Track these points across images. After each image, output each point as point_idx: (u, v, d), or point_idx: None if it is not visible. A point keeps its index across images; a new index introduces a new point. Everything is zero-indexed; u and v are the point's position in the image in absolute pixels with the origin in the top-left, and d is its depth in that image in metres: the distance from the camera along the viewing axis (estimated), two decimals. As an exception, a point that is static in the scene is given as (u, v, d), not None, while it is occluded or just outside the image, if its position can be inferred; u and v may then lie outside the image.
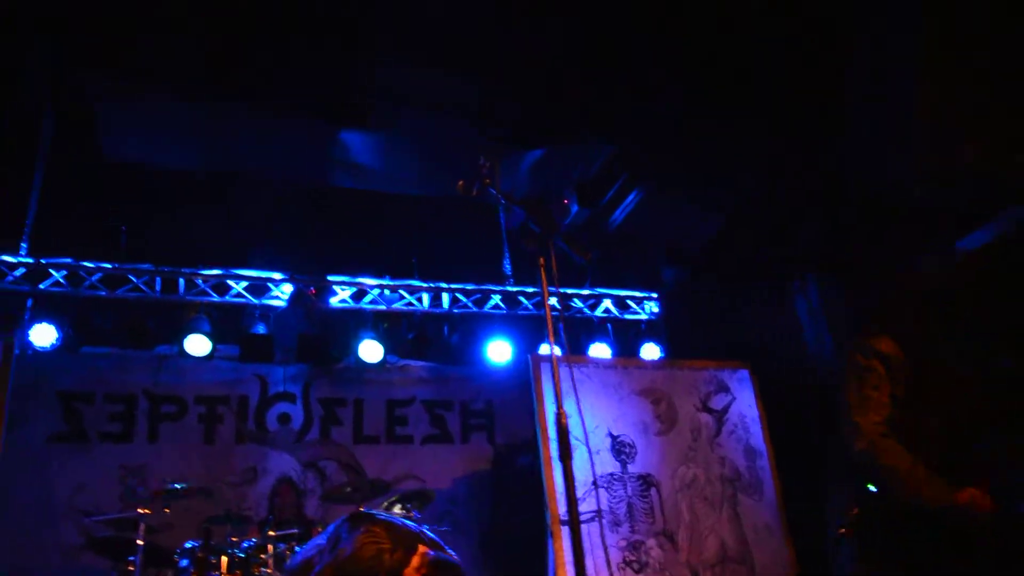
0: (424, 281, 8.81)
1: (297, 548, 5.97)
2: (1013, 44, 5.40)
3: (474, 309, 8.92)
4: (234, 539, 6.21)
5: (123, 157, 7.57)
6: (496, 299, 8.98)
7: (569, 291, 9.19)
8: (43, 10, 5.95)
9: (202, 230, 8.25)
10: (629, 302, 9.47)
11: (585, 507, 5.91)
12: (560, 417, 3.22)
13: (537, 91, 7.01)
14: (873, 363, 3.64)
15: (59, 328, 7.41)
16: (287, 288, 8.33)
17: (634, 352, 8.87)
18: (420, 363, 9.17)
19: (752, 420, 7.61)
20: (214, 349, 7.79)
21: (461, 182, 3.70)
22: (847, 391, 3.66)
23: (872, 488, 3.41)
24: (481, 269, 9.06)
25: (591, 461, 4.02)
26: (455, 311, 8.89)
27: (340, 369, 8.85)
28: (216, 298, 8.12)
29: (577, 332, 9.06)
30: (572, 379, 3.64)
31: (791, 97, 6.58)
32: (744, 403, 7.68)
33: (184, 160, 7.86)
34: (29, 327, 7.32)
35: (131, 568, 5.98)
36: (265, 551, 6.16)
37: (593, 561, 5.38)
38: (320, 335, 8.50)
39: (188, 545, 6.09)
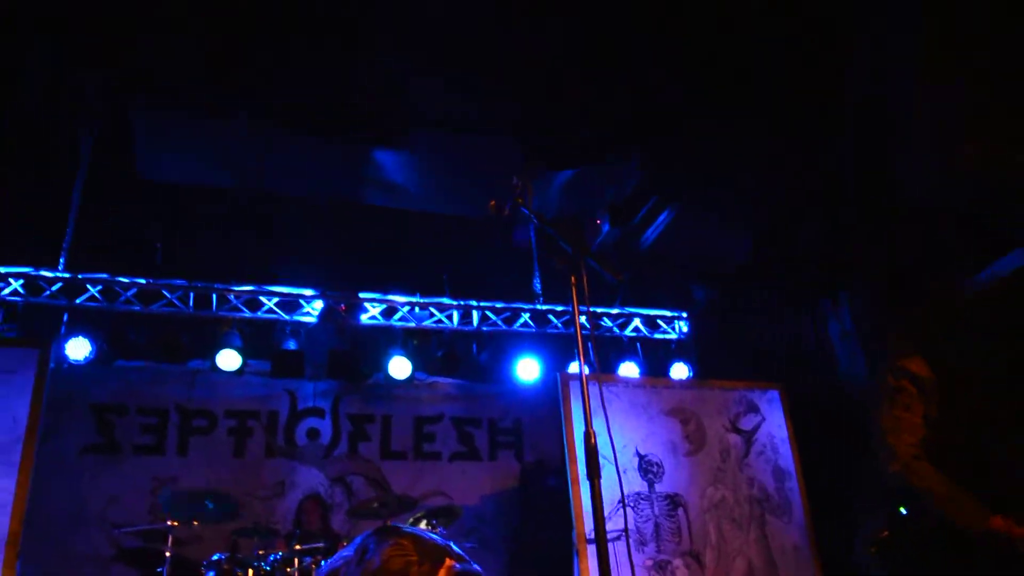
0: (454, 299, 8.84)
1: (323, 562, 5.99)
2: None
3: (503, 327, 8.93)
4: (261, 552, 6.25)
5: (158, 176, 7.71)
6: (525, 317, 8.99)
7: (599, 310, 9.17)
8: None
9: (235, 247, 8.36)
10: (659, 321, 9.44)
11: (612, 526, 5.89)
12: (588, 436, 3.22)
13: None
14: (904, 383, 3.63)
15: (94, 342, 7.52)
16: (318, 305, 8.39)
17: (663, 371, 8.83)
18: (449, 380, 9.19)
19: (781, 441, 7.54)
20: (245, 364, 7.87)
21: (493, 202, 3.72)
22: (880, 413, 3.64)
23: (903, 511, 3.38)
24: (511, 287, 9.07)
25: (619, 480, 4.01)
26: (484, 329, 8.90)
27: (369, 385, 8.89)
28: (248, 314, 8.19)
29: (606, 351, 9.05)
30: (601, 398, 3.63)
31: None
32: (774, 424, 7.62)
33: (218, 178, 7.98)
34: (65, 341, 7.42)
35: (160, 580, 6.04)
36: (291, 564, 6.19)
37: (620, 581, 5.36)
38: (350, 351, 8.55)
39: (215, 557, 6.13)
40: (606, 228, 8.23)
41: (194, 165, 7.83)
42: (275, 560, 6.16)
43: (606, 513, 3.23)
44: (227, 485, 7.90)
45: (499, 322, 8.93)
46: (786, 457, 7.48)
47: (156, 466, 7.93)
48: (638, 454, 7.03)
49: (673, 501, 6.96)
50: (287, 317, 8.31)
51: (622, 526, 6.07)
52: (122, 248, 8.01)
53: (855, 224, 6.81)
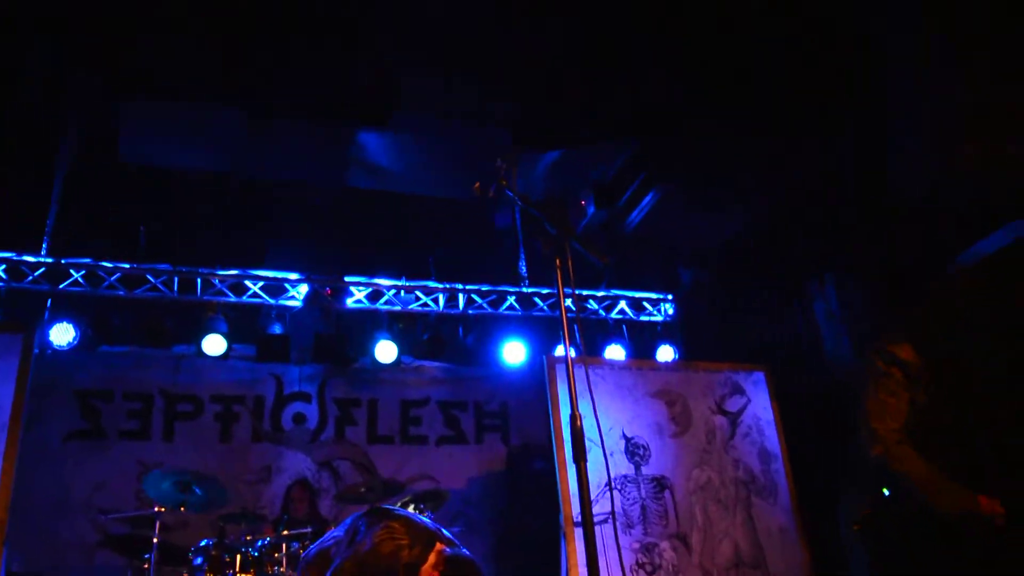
0: (439, 282, 8.82)
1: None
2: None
3: (489, 310, 8.93)
4: (248, 537, 6.24)
5: (141, 160, 7.64)
6: (511, 300, 8.98)
7: (585, 292, 9.18)
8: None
9: (220, 231, 8.31)
10: (645, 304, 9.46)
11: (598, 509, 5.90)
12: (575, 419, 3.22)
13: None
14: (892, 370, 3.65)
15: (77, 327, 7.47)
16: (303, 288, 8.37)
17: (649, 354, 8.85)
18: (435, 364, 9.19)
19: (767, 423, 7.57)
20: (230, 349, 7.85)
21: (477, 184, 3.70)
22: (865, 396, 3.67)
23: (886, 492, 3.41)
24: (497, 270, 9.06)
25: (605, 463, 4.02)
26: (470, 312, 8.90)
27: (355, 369, 8.88)
28: (233, 298, 8.16)
29: (592, 334, 9.06)
30: (587, 380, 3.63)
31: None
32: (759, 405, 7.64)
33: (202, 162, 7.92)
34: (48, 326, 7.38)
35: (146, 566, 6.02)
36: (279, 550, 6.18)
37: (606, 563, 5.38)
38: (336, 335, 8.54)
39: (203, 543, 6.12)
40: (591, 210, 8.21)
41: (177, 150, 7.77)
42: (263, 545, 6.15)
43: (593, 496, 3.24)
44: (213, 470, 7.87)
45: (485, 305, 8.92)
46: (772, 439, 7.51)
47: (142, 451, 7.90)
48: (624, 436, 7.05)
49: (659, 483, 6.99)
50: (272, 301, 8.28)
51: (609, 509, 6.09)
52: (105, 233, 7.94)
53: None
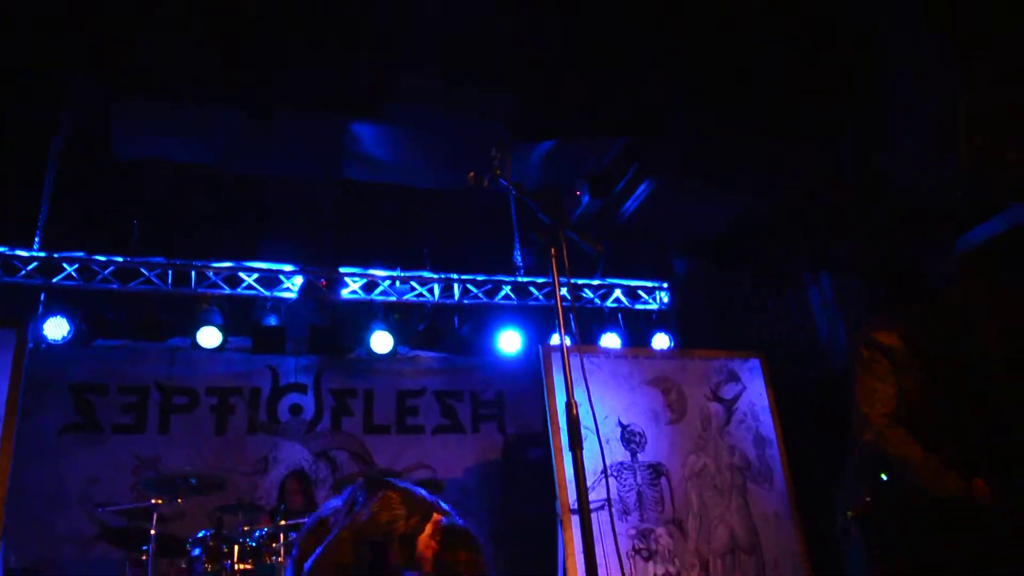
0: (435, 272, 8.82)
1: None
2: (1013, 44, 5.37)
3: (485, 300, 8.93)
4: (246, 528, 6.26)
5: (133, 154, 7.61)
6: (507, 290, 8.99)
7: (580, 281, 9.19)
8: (43, 10, 5.96)
9: (214, 223, 8.29)
10: (640, 292, 9.47)
11: (595, 496, 5.94)
12: (570, 407, 3.23)
13: (537, 91, 7.00)
14: (876, 355, 3.70)
15: (71, 321, 7.46)
16: (298, 280, 8.36)
17: (645, 342, 8.87)
18: (431, 354, 9.19)
19: (762, 409, 7.60)
20: (226, 341, 7.84)
21: (472, 174, 3.71)
22: (855, 383, 3.70)
23: (884, 477, 3.43)
24: (492, 260, 9.06)
25: (601, 450, 4.03)
26: (466, 302, 8.90)
27: (351, 360, 8.88)
28: (228, 290, 8.15)
29: (588, 322, 9.08)
30: (582, 369, 3.65)
31: (791, 96, 6.56)
32: (754, 392, 7.67)
33: (195, 155, 7.89)
34: (42, 321, 7.36)
35: (144, 558, 6.04)
36: (276, 540, 6.20)
37: (603, 549, 5.39)
38: (331, 326, 8.53)
39: (200, 535, 6.14)
40: (586, 199, 8.21)
41: (170, 144, 7.74)
42: (260, 536, 6.17)
43: (589, 483, 3.26)
44: (210, 462, 7.89)
45: (480, 295, 8.92)
46: (767, 425, 7.54)
47: (137, 445, 7.90)
48: (620, 424, 7.07)
49: (656, 470, 7.02)
50: (267, 293, 8.27)
51: (605, 496, 6.12)
52: (99, 226, 7.92)
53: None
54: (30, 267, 7.53)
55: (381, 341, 8.25)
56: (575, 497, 3.14)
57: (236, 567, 6.00)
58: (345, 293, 8.56)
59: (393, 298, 8.68)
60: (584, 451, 3.21)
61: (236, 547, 6.06)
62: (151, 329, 7.98)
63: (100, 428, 7.86)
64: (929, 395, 3.62)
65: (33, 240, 7.56)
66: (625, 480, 6.86)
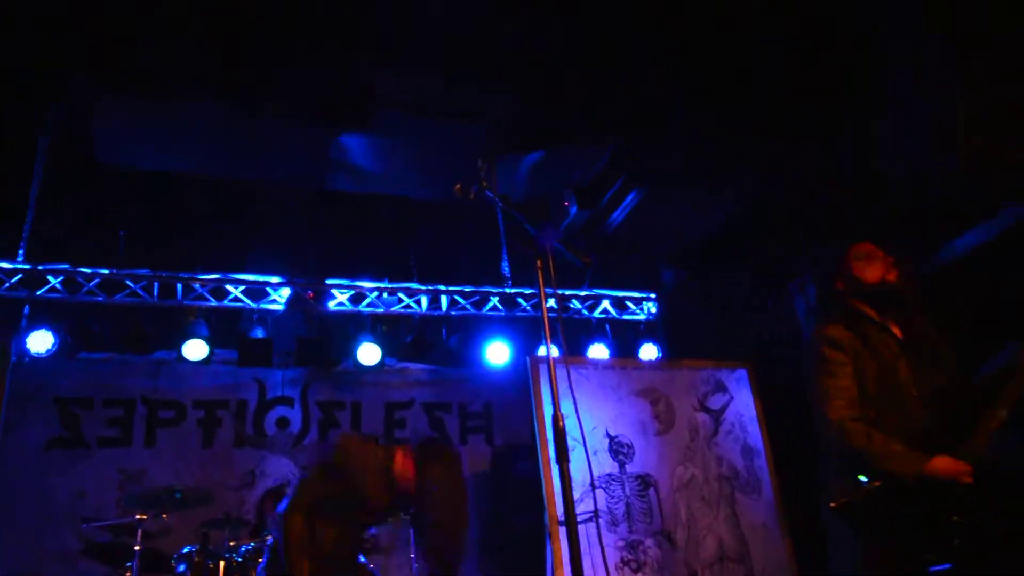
0: (422, 283, 8.81)
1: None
2: (1013, 44, 5.41)
3: (472, 311, 8.93)
4: (232, 543, 6.21)
5: (118, 161, 7.57)
6: (494, 301, 8.98)
7: (567, 292, 9.19)
8: (43, 10, 5.93)
9: (200, 235, 8.26)
10: (628, 303, 9.48)
11: (583, 507, 5.93)
12: (556, 419, 3.23)
13: (537, 91, 7.00)
14: (825, 351, 3.75)
15: (56, 334, 7.41)
16: (285, 292, 8.33)
17: (632, 353, 8.88)
18: (418, 365, 9.17)
19: (750, 419, 7.61)
20: (212, 353, 7.80)
21: (459, 185, 3.71)
22: (813, 385, 3.75)
23: (863, 479, 3.43)
24: (479, 271, 9.06)
25: (588, 462, 4.04)
26: (453, 313, 8.89)
27: (338, 372, 8.85)
28: (214, 302, 8.11)
29: (576, 333, 9.08)
30: (569, 380, 3.65)
31: (790, 97, 6.58)
32: (742, 403, 7.68)
33: (180, 164, 7.86)
34: (26, 334, 7.31)
35: (128, 574, 5.98)
36: (262, 555, 6.15)
37: (591, 561, 5.38)
38: (318, 338, 8.49)
39: (185, 550, 6.09)
40: (574, 210, 8.22)
41: (156, 151, 7.71)
42: (246, 551, 6.13)
43: (577, 495, 3.25)
44: (196, 476, 7.84)
45: (468, 306, 8.92)
46: (754, 435, 7.55)
47: (123, 459, 7.83)
48: (608, 435, 7.06)
49: (644, 481, 7.01)
50: (254, 305, 8.24)
51: (593, 508, 6.11)
52: (83, 238, 7.87)
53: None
54: (14, 279, 7.47)
55: (369, 353, 8.22)
56: (563, 509, 3.13)
57: (222, 582, 5.96)
58: (332, 305, 8.53)
59: (381, 310, 8.66)
60: (572, 463, 3.20)
61: (222, 563, 6.01)
62: (137, 342, 7.93)
63: (86, 442, 7.79)
64: (887, 380, 3.66)
65: (17, 252, 7.51)
66: (614, 491, 6.85)
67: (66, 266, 7.65)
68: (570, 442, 3.26)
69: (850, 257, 3.98)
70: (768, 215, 7.62)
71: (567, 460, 3.17)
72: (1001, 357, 3.52)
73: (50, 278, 7.59)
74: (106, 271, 7.77)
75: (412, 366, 9.14)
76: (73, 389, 7.92)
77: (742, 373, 7.82)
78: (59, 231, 7.70)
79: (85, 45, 6.24)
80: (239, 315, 8.25)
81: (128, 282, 7.85)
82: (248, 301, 8.23)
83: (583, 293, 9.27)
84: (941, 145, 5.78)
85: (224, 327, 8.14)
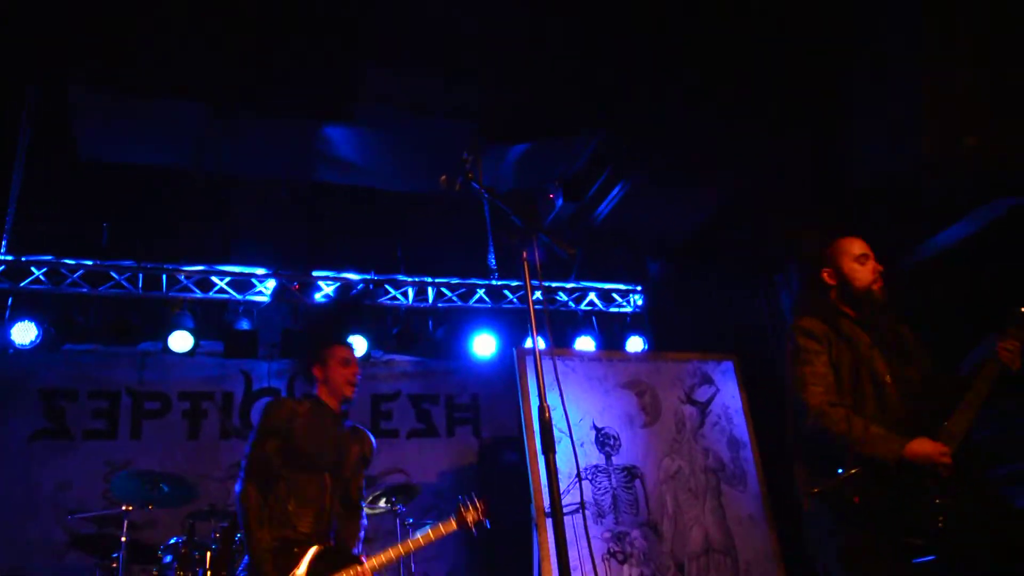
0: (409, 275, 8.80)
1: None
2: (1013, 44, 5.44)
3: (459, 303, 8.92)
4: (218, 535, 6.19)
5: (100, 157, 7.54)
6: (481, 293, 8.98)
7: (554, 284, 9.20)
8: (41, 10, 5.90)
9: (185, 226, 8.22)
10: (614, 295, 9.50)
11: (569, 499, 5.94)
12: (543, 410, 3.23)
13: (536, 90, 7.01)
14: (800, 340, 3.77)
15: (40, 326, 7.35)
16: (271, 284, 8.31)
17: (619, 345, 8.90)
18: (405, 357, 9.15)
19: (736, 411, 7.64)
20: (197, 345, 7.77)
21: (444, 177, 3.71)
22: (790, 375, 3.76)
23: (840, 471, 3.43)
24: (466, 263, 9.05)
25: (575, 453, 4.03)
26: (440, 305, 8.88)
27: (325, 364, 8.81)
28: (199, 294, 8.08)
29: (562, 325, 9.09)
30: (555, 372, 3.65)
31: (775, 93, 6.60)
32: (728, 395, 7.71)
33: (165, 157, 7.82)
34: (10, 325, 7.26)
35: (115, 565, 5.96)
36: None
37: (577, 552, 5.41)
38: (304, 330, 8.48)
39: (172, 541, 6.06)
40: (560, 203, 8.23)
41: (139, 145, 7.67)
42: (232, 542, 6.11)
43: (563, 486, 3.25)
44: (182, 468, 7.80)
45: (455, 298, 8.91)
46: (740, 427, 7.58)
47: (109, 450, 7.79)
48: (595, 427, 7.08)
49: (630, 473, 7.03)
50: (239, 297, 8.22)
51: (579, 499, 6.12)
52: (67, 230, 7.83)
53: (818, 215, 6.89)
54: (-2, 271, 7.43)
55: (355, 345, 8.21)
56: (549, 500, 3.14)
57: (208, 574, 5.94)
58: (318, 297, 8.51)
59: (367, 301, 8.64)
60: (558, 454, 3.20)
61: (208, 554, 5.99)
62: (122, 333, 7.89)
63: (71, 434, 7.75)
64: (862, 369, 3.67)
65: (0, 243, 7.45)
66: (600, 483, 6.87)
67: (50, 257, 7.60)
68: (557, 434, 3.27)
69: (843, 251, 3.96)
70: (753, 208, 7.64)
71: (553, 451, 3.18)
72: (980, 350, 3.54)
73: (34, 269, 7.54)
74: (90, 262, 7.73)
75: (398, 358, 9.12)
76: (58, 381, 7.86)
77: (728, 365, 7.85)
78: (43, 222, 7.65)
79: (66, 32, 6.21)
80: (224, 307, 8.23)
81: (113, 273, 7.81)
82: (233, 293, 8.20)
83: (570, 285, 9.28)
84: (906, 135, 5.82)
85: (209, 319, 8.12)
